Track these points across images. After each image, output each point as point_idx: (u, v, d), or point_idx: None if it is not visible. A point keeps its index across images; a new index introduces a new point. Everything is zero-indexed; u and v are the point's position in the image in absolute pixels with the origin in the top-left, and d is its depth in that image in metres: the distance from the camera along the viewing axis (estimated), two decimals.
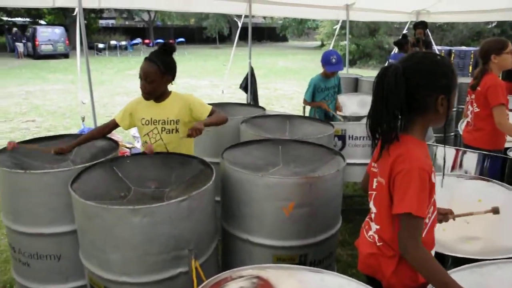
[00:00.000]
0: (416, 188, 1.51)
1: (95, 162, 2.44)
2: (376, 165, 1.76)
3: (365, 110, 5.69)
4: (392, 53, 7.45)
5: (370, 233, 1.80)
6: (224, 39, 37.43)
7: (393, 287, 1.70)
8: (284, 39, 42.48)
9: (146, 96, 2.66)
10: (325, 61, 4.39)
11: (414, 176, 1.51)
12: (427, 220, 1.65)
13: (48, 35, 22.67)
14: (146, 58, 2.63)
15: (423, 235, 1.63)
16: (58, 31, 23.20)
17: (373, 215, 1.80)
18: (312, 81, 4.54)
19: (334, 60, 4.33)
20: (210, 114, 2.72)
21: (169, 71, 2.64)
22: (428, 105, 1.59)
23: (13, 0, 5.21)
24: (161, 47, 2.67)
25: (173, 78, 2.70)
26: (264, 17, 35.56)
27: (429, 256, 1.55)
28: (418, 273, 1.63)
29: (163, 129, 2.66)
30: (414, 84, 1.56)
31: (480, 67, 3.56)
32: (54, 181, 2.35)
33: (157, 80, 2.59)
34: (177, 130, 2.67)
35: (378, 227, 1.75)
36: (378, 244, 1.74)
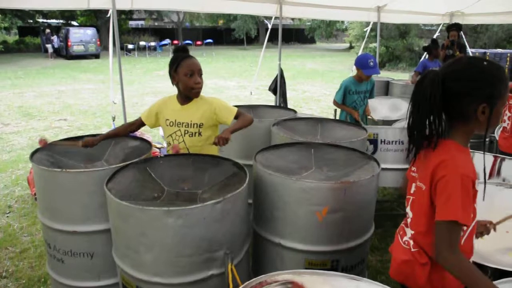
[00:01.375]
0: (459, 195, 1.46)
1: (129, 162, 2.46)
2: (415, 169, 1.72)
3: (396, 114, 5.60)
4: (422, 59, 7.26)
5: (405, 238, 1.77)
6: (251, 40, 37.62)
7: None
8: (312, 41, 42.32)
9: (198, 93, 2.66)
10: (362, 64, 4.31)
11: (457, 182, 1.47)
12: (465, 227, 1.62)
13: (80, 36, 23.28)
14: (188, 56, 2.62)
15: (462, 243, 1.61)
16: (90, 32, 23.78)
17: (409, 220, 1.77)
18: (344, 82, 4.47)
19: (372, 64, 4.26)
20: (236, 116, 2.70)
21: None
22: (468, 113, 1.54)
23: (50, 3, 5.31)
24: (183, 48, 2.71)
25: None
26: (292, 19, 35.51)
27: (467, 263, 1.51)
28: (451, 281, 1.61)
29: (186, 131, 2.66)
30: (454, 92, 1.52)
31: None
32: (90, 180, 2.39)
33: None
34: (199, 134, 2.67)
35: (413, 232, 1.72)
36: (412, 250, 1.71)
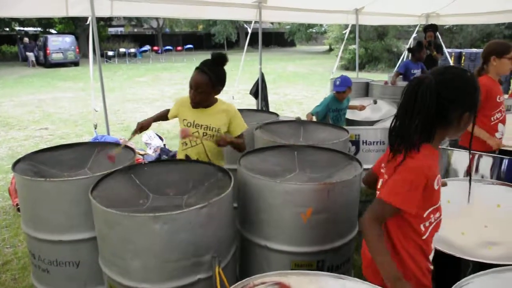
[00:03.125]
0: (407, 185, 1.58)
1: (113, 170, 2.45)
2: (384, 165, 1.81)
3: (377, 115, 5.68)
4: (402, 59, 7.40)
5: None
6: (232, 45, 37.62)
7: None
8: (292, 44, 42.55)
9: (194, 105, 2.71)
10: (333, 85, 4.59)
11: (410, 174, 1.59)
12: (427, 224, 1.71)
13: (59, 43, 22.91)
14: (197, 68, 2.65)
15: (424, 237, 1.71)
16: (69, 39, 23.44)
17: None
18: (326, 100, 4.56)
19: (338, 82, 4.49)
20: (240, 135, 2.83)
21: (219, 82, 2.69)
22: (452, 119, 1.63)
23: (28, 10, 5.23)
24: (215, 58, 2.68)
25: (222, 89, 2.75)
26: (272, 22, 35.67)
27: (378, 236, 1.63)
28: (419, 278, 1.72)
29: (204, 134, 2.73)
30: (445, 99, 1.59)
31: (479, 67, 3.51)
32: (74, 189, 2.37)
33: (207, 91, 2.65)
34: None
35: None
36: None
